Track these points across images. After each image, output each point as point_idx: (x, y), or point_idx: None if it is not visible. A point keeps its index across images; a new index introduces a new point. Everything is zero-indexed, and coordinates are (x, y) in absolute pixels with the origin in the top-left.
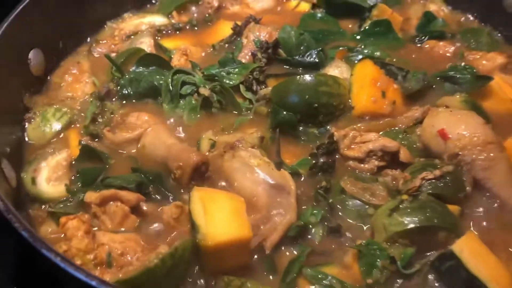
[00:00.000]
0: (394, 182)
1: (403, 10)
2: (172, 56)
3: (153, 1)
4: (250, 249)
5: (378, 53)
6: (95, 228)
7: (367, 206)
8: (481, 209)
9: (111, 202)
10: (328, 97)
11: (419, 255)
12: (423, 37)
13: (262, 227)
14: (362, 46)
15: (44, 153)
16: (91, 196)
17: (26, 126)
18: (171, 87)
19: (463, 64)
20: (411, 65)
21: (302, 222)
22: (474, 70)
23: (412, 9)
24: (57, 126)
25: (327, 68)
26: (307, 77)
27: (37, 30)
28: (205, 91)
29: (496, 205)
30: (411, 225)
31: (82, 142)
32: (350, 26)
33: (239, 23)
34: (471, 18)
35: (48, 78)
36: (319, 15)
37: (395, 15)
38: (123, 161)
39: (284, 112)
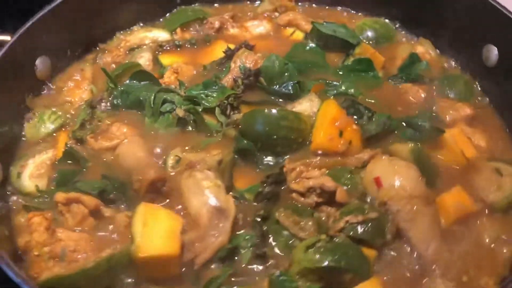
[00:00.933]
0: (325, 219)
1: (391, 48)
2: (164, 73)
3: (161, 19)
4: (180, 263)
5: (352, 90)
6: (59, 229)
7: (294, 239)
8: (398, 257)
9: (74, 204)
10: (287, 131)
11: None
12: (400, 79)
13: (197, 244)
14: (340, 82)
15: (34, 151)
16: (59, 196)
17: (24, 125)
18: (152, 104)
19: (431, 111)
20: (382, 105)
21: (233, 245)
22: (434, 118)
23: (400, 48)
24: (50, 127)
25: (301, 100)
26: (272, 111)
27: (49, 39)
28: (180, 112)
29: (413, 255)
30: (319, 264)
31: (67, 145)
32: (336, 60)
33: (232, 46)
34: (454, 64)
35: (52, 82)
36: (309, 45)
37: (377, 54)
38: (99, 166)
39: (245, 141)
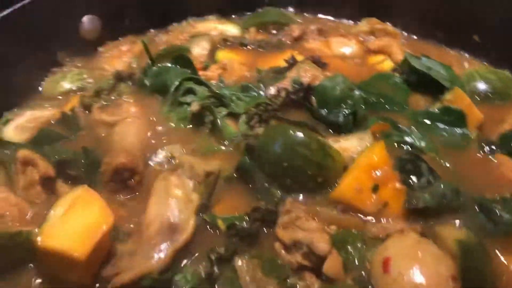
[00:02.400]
0: None
1: (502, 110)
2: (209, 66)
3: (243, 15)
4: (93, 274)
5: (423, 144)
6: None
7: None
8: None
9: (31, 166)
10: (304, 162)
11: None
12: (498, 149)
13: (125, 260)
14: (412, 128)
15: (39, 105)
16: (20, 153)
17: (46, 78)
18: (174, 91)
19: None
20: (457, 174)
21: (165, 278)
22: None
23: None
24: (68, 86)
25: (350, 135)
26: (295, 132)
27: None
28: (194, 106)
29: None
30: None
31: (73, 109)
32: (421, 103)
33: (299, 57)
34: None
35: (95, 45)
36: (395, 79)
37: (475, 109)
38: (88, 139)
39: (248, 160)
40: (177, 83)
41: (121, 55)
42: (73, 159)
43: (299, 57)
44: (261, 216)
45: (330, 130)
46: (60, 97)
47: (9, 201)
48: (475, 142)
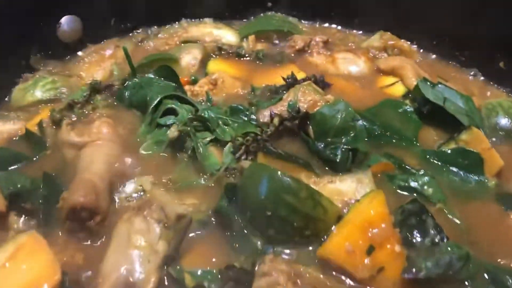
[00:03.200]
0: None
1: None
2: (198, 79)
3: (243, 20)
4: None
5: (431, 191)
6: None
7: None
8: None
9: None
10: (290, 213)
11: None
12: None
13: None
14: (421, 172)
15: (2, 116)
16: None
17: (16, 86)
18: (154, 110)
19: None
20: (469, 234)
21: None
22: None
23: None
24: (38, 96)
25: (347, 176)
26: (282, 176)
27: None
28: (172, 132)
29: None
30: None
31: (41, 123)
32: (434, 139)
33: (300, 75)
34: None
35: (74, 48)
36: (404, 108)
37: (495, 154)
38: (53, 161)
39: (226, 204)
40: (156, 101)
41: (102, 61)
42: (30, 189)
43: (300, 74)
44: (236, 276)
45: (326, 167)
46: (29, 108)
47: None
48: (492, 193)
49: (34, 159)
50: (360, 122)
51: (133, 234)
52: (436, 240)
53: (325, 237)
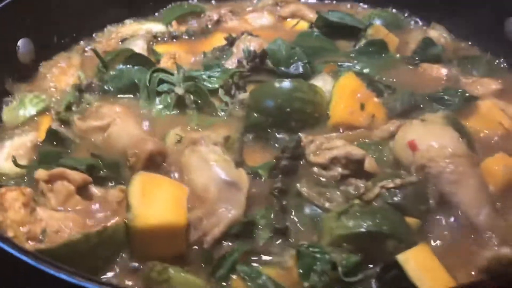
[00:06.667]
0: (355, 192)
1: (402, 35)
2: (160, 59)
3: (156, 14)
4: (186, 240)
5: (367, 70)
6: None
7: (321, 211)
8: (444, 225)
9: (58, 181)
10: (302, 103)
11: (365, 265)
12: (416, 61)
13: (205, 222)
14: (355, 62)
15: (12, 134)
16: (40, 173)
17: (2, 109)
18: (148, 84)
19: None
20: (402, 84)
21: (248, 220)
22: (467, 94)
23: (412, 34)
24: (32, 111)
25: (313, 80)
26: (284, 82)
27: (32, 22)
28: (179, 90)
29: (461, 221)
30: (357, 230)
31: (51, 126)
32: (345, 46)
33: (234, 35)
34: (471, 45)
35: (35, 68)
36: (316, 33)
37: (392, 36)
38: (87, 147)
39: (255, 115)
40: (148, 76)
41: (65, 71)
42: (92, 163)
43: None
44: (290, 154)
45: None
46: (28, 122)
47: (55, 217)
48: (399, 60)
49: (69, 151)
50: (297, 48)
51: (206, 155)
52: (391, 92)
53: (326, 116)
